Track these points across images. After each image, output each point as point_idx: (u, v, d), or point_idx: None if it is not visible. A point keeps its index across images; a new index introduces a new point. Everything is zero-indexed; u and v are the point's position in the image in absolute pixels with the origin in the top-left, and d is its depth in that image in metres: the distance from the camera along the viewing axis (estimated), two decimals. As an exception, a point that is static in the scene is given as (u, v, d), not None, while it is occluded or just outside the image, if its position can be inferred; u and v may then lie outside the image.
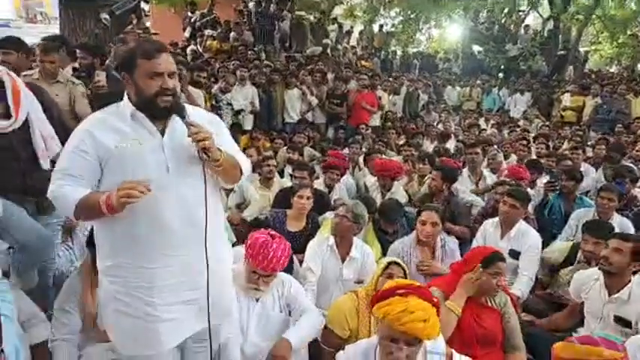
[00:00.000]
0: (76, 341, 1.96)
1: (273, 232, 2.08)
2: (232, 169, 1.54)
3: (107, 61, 3.69)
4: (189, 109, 1.52)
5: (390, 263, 2.28)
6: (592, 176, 4.79)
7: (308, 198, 3.08)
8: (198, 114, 1.57)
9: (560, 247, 3.18)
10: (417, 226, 2.76)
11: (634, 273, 2.24)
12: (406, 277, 2.18)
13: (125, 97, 1.49)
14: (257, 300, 2.09)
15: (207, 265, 1.51)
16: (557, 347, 1.52)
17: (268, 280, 2.04)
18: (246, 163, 1.63)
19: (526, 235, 2.95)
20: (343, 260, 2.64)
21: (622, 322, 2.21)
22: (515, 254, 2.92)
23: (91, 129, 1.45)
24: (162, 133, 1.48)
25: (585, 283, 2.40)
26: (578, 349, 1.46)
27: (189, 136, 1.39)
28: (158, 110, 1.44)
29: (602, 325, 2.28)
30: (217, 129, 1.58)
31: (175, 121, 1.49)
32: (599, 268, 2.29)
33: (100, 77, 3.35)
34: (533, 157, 5.30)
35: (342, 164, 4.26)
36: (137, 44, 1.55)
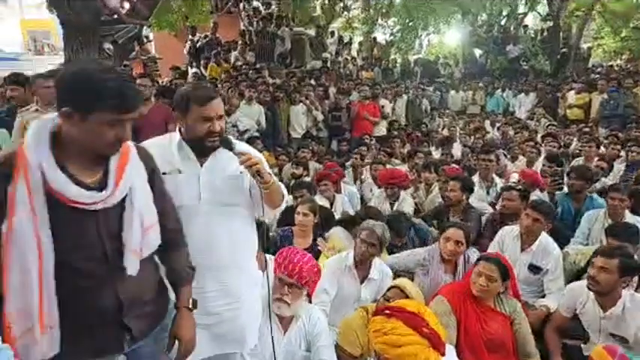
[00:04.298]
0: None
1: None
2: (277, 193, 1.67)
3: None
4: (235, 142, 1.69)
5: (391, 287, 2.25)
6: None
7: (305, 214, 3.03)
8: (242, 146, 1.72)
9: (582, 250, 3.07)
10: (440, 241, 2.67)
11: (624, 287, 2.18)
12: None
13: (177, 130, 1.65)
14: (284, 333, 2.05)
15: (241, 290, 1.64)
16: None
17: (294, 292, 1.97)
18: (284, 189, 1.75)
19: (547, 251, 2.79)
20: (362, 281, 2.54)
21: (618, 337, 2.16)
22: (535, 269, 2.80)
23: None
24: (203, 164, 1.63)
25: (579, 297, 2.34)
26: None
27: (241, 164, 1.53)
28: (206, 148, 1.60)
29: (602, 339, 2.23)
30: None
31: (218, 155, 1.63)
32: (589, 289, 2.21)
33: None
34: (543, 157, 5.21)
35: (329, 175, 4.12)
36: (192, 90, 1.59)
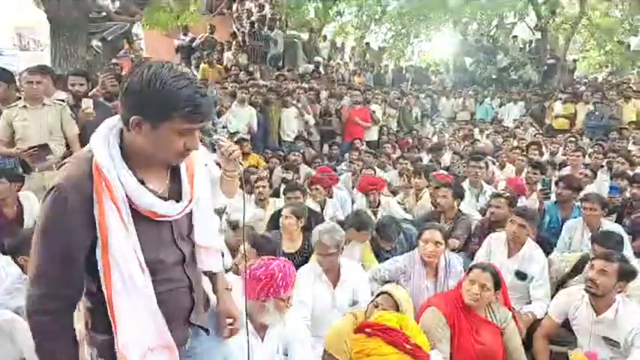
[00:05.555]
0: None
1: (264, 258, 1.99)
2: (236, 183, 1.69)
3: (95, 89, 3.63)
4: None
5: (380, 293, 2.22)
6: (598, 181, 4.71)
7: (287, 217, 3.02)
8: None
9: (567, 257, 3.10)
10: (419, 244, 2.68)
11: (619, 292, 2.21)
12: (398, 308, 2.11)
13: None
14: (262, 340, 1.97)
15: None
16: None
17: (288, 302, 1.96)
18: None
19: (533, 259, 2.82)
20: (334, 285, 2.52)
21: (610, 341, 2.18)
22: (521, 276, 2.82)
23: None
24: None
25: (573, 302, 2.35)
26: None
27: (221, 151, 1.52)
28: None
29: (592, 343, 2.25)
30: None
31: None
32: (586, 291, 2.24)
33: (88, 104, 3.30)
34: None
35: (323, 179, 4.14)
36: None
